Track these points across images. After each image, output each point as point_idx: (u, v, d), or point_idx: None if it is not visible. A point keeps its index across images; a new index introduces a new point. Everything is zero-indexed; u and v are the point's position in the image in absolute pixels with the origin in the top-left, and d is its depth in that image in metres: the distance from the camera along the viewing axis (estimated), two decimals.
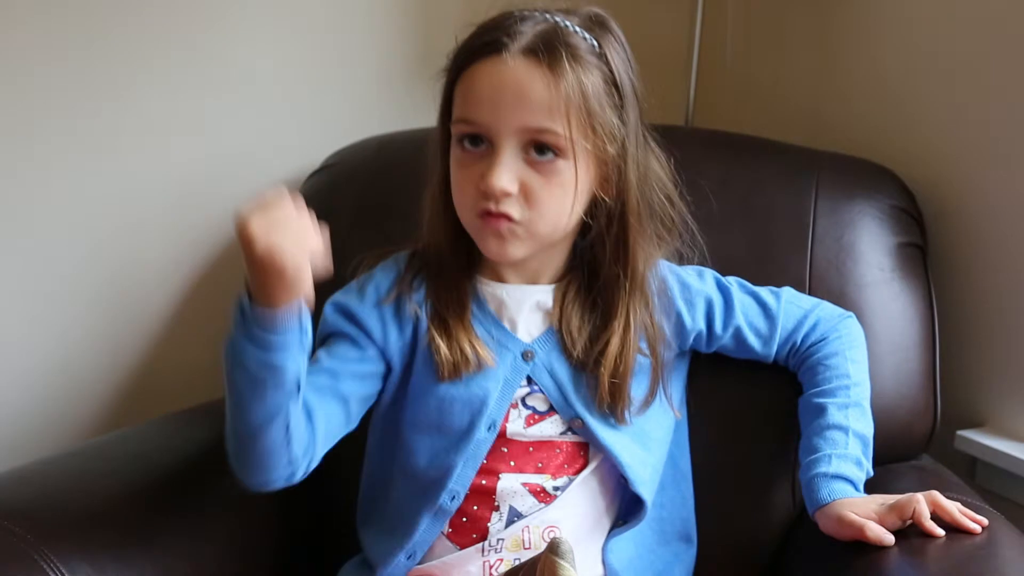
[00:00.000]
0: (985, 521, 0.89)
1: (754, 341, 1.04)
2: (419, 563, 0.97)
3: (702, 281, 1.05)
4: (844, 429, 0.98)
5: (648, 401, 0.99)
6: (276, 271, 0.77)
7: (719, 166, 1.18)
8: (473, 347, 0.96)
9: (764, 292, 1.06)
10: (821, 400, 1.00)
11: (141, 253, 1.30)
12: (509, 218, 0.91)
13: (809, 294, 1.10)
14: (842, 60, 1.35)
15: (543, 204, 0.91)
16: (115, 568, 0.92)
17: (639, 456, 0.98)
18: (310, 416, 0.91)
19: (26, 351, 1.25)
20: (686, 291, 1.03)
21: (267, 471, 0.90)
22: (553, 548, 0.74)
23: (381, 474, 1.03)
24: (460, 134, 0.93)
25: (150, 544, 0.97)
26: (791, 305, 1.06)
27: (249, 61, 1.32)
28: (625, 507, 1.01)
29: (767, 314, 1.05)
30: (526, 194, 0.91)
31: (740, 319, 1.04)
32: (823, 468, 0.95)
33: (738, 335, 1.04)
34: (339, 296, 1.01)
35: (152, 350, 1.33)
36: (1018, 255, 1.15)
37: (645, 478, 0.98)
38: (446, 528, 0.97)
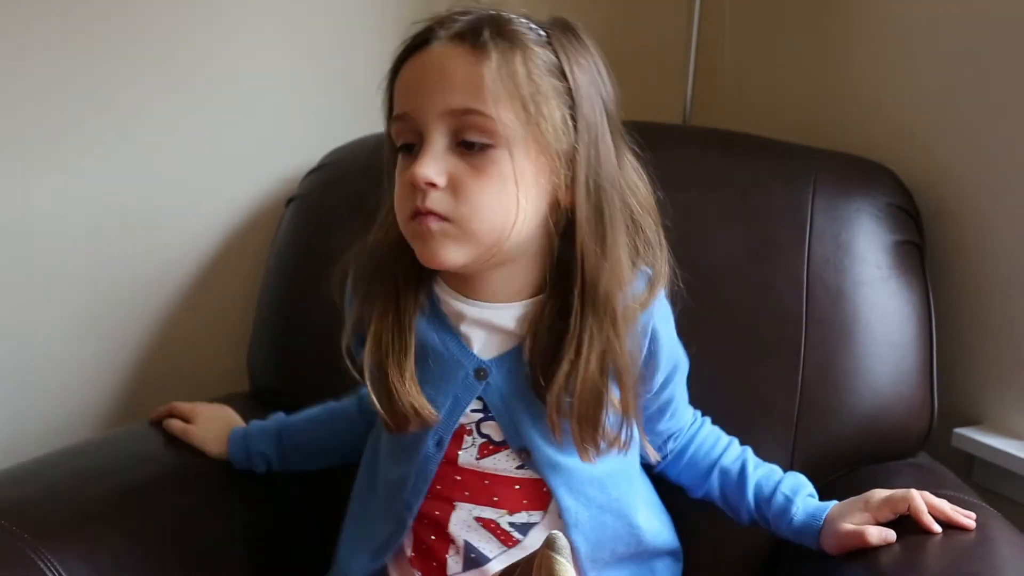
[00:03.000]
0: (973, 515, 0.90)
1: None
2: None
3: (680, 351, 0.98)
4: (767, 469, 0.99)
5: (617, 442, 0.90)
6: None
7: (716, 165, 1.19)
8: (413, 407, 0.89)
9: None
10: (726, 466, 1.00)
11: (141, 253, 1.30)
12: (438, 215, 0.84)
13: (807, 292, 1.11)
14: (839, 58, 1.35)
15: (474, 198, 0.83)
16: (113, 568, 0.93)
17: (587, 496, 0.92)
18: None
19: (25, 351, 1.25)
20: (671, 352, 0.96)
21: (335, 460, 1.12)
22: (550, 544, 0.74)
23: (359, 487, 1.02)
24: (396, 136, 0.88)
25: (148, 544, 0.97)
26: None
27: (247, 60, 1.32)
28: None
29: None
30: (455, 187, 0.83)
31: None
32: (791, 508, 0.95)
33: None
34: (345, 339, 0.95)
35: (152, 350, 1.34)
36: (1015, 253, 1.15)
37: (584, 520, 0.92)
38: (409, 550, 0.94)
